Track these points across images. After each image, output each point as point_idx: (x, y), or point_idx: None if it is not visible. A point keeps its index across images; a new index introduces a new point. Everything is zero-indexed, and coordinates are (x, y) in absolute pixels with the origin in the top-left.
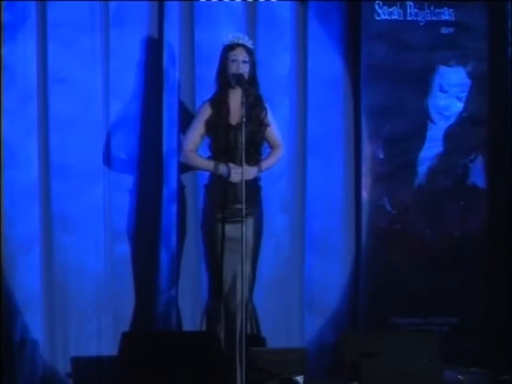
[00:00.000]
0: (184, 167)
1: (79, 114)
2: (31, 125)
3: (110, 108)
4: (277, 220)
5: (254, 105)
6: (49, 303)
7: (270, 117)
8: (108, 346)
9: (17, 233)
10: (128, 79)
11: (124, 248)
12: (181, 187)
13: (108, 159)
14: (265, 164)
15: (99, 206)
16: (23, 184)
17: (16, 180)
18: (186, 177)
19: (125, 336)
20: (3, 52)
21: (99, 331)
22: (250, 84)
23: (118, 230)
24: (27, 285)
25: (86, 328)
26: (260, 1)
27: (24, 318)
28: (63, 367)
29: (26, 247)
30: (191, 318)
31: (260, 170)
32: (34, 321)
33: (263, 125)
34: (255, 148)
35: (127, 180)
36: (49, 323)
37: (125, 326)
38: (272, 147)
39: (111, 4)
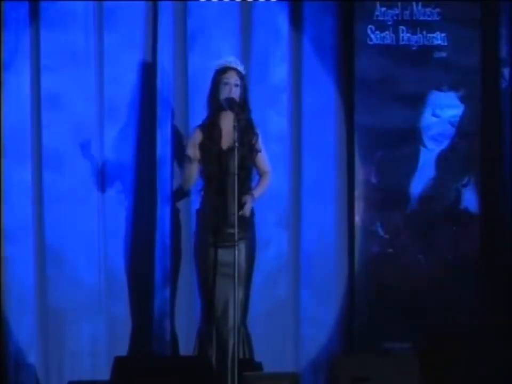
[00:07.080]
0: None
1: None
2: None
3: (104, 132)
4: (272, 244)
5: (246, 130)
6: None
7: (261, 143)
8: (103, 369)
9: None
10: (122, 105)
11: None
12: (175, 211)
13: (101, 183)
14: (257, 192)
15: (93, 230)
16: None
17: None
18: (181, 202)
19: (117, 360)
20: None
21: (94, 353)
22: (241, 108)
23: (112, 254)
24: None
25: (81, 348)
26: (254, 28)
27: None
28: None
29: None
30: (187, 343)
31: (253, 200)
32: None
33: (254, 150)
34: (246, 174)
35: (121, 203)
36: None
37: (121, 350)
38: (261, 174)
39: (105, 29)
